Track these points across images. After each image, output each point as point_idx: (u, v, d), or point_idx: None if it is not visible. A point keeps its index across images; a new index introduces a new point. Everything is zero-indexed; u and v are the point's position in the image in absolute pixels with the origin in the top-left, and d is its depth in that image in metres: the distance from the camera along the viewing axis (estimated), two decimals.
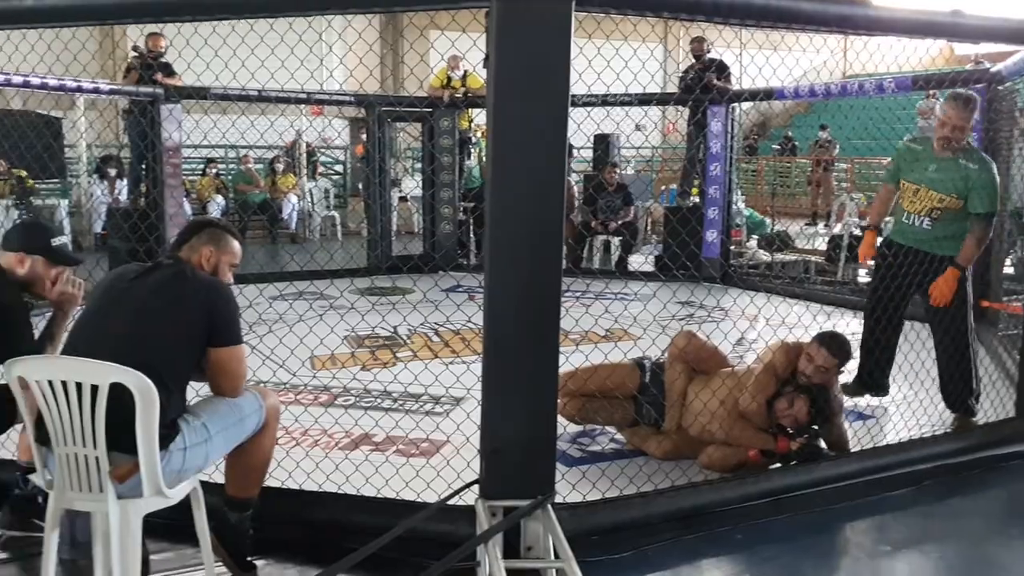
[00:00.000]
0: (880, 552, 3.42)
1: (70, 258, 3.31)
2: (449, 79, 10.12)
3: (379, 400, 4.96)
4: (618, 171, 10.91)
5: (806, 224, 13.69)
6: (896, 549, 3.43)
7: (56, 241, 3.24)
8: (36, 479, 2.78)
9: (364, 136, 13.83)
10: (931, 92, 10.71)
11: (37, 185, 11.88)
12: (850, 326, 6.67)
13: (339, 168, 16.55)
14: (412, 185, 12.93)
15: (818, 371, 3.89)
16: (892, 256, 4.39)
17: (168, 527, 3.08)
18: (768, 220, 11.03)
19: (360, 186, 13.02)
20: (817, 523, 3.59)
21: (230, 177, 14.05)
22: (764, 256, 10.07)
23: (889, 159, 10.14)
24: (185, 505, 2.80)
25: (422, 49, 15.70)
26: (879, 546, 3.46)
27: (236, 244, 3.02)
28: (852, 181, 15.89)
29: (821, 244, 10.59)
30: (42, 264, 3.16)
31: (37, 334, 3.19)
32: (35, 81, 7.09)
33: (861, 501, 3.77)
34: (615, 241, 10.11)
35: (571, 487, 3.46)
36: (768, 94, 8.79)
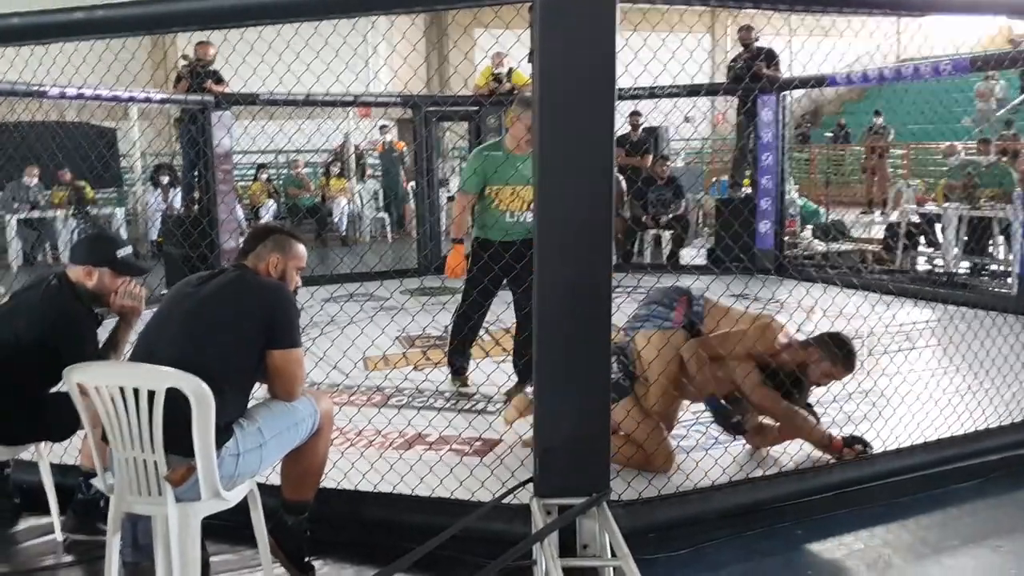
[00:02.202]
0: (947, 547, 3.32)
1: (135, 268, 3.38)
2: (494, 76, 10.11)
3: (431, 400, 4.97)
4: (669, 164, 10.81)
5: (861, 212, 13.46)
6: (964, 544, 3.33)
7: (121, 253, 3.32)
8: (98, 483, 2.82)
9: (388, 136, 13.97)
10: (991, 73, 10.45)
11: (95, 194, 12.14)
12: (911, 315, 6.56)
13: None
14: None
15: (824, 378, 3.84)
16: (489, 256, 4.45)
17: (227, 529, 3.11)
18: (822, 209, 10.86)
19: (410, 187, 13.06)
20: (880, 517, 3.51)
21: (280, 181, 14.20)
22: (819, 246, 9.91)
23: (946, 143, 9.97)
24: (243, 508, 2.83)
25: (466, 47, 15.71)
26: (946, 541, 3.36)
27: (301, 248, 3.04)
28: (908, 167, 15.59)
29: (877, 232, 10.41)
30: (108, 276, 3.24)
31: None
32: (89, 92, 7.21)
33: (924, 494, 3.69)
34: (666, 235, 10.02)
35: (626, 484, 3.43)
36: (820, 81, 8.64)
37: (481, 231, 4.77)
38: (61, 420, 3.19)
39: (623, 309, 3.32)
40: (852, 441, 3.84)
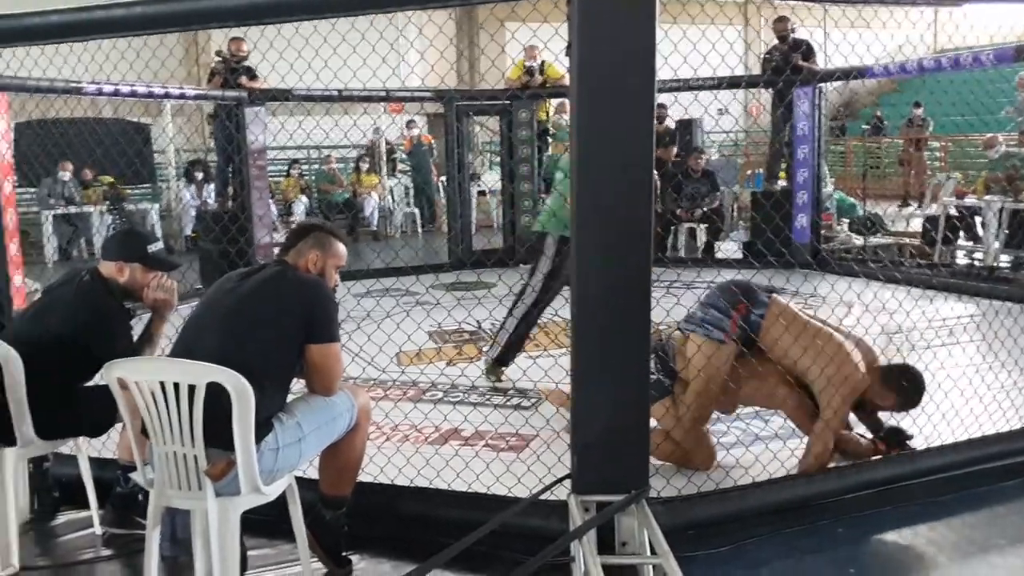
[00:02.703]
0: (994, 546, 3.25)
1: (166, 263, 3.43)
2: (528, 69, 10.08)
3: (466, 395, 4.96)
4: (704, 157, 10.72)
5: (899, 206, 13.28)
6: (1011, 543, 3.26)
7: (152, 248, 3.36)
8: (137, 478, 2.84)
9: (416, 131, 13.95)
10: None
11: (129, 190, 12.25)
12: (954, 310, 6.47)
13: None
14: (491, 179, 12.93)
15: (885, 410, 3.77)
16: None
17: (265, 523, 3.11)
18: (859, 203, 10.72)
19: (440, 181, 13.06)
20: (923, 515, 3.46)
21: (313, 177, 14.25)
22: (856, 240, 9.79)
23: (987, 135, 9.80)
24: (281, 502, 2.83)
25: (502, 41, 15.67)
26: (993, 539, 3.29)
27: (342, 247, 3.05)
28: (945, 160, 15.36)
29: (915, 226, 10.26)
30: (140, 271, 3.28)
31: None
32: (125, 89, 7.27)
33: (968, 492, 3.62)
34: (701, 228, 9.94)
35: (666, 481, 3.40)
36: (858, 73, 8.52)
37: (565, 230, 4.82)
38: (94, 415, 3.23)
39: (662, 304, 3.27)
40: (893, 435, 3.78)
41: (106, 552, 3.32)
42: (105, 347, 3.03)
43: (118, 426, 3.28)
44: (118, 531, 3.36)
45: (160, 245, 3.43)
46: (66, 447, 3.45)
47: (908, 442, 3.78)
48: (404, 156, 14.49)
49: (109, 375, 2.68)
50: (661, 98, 10.63)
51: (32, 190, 10.98)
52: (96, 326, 3.15)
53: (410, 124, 14.23)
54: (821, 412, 3.62)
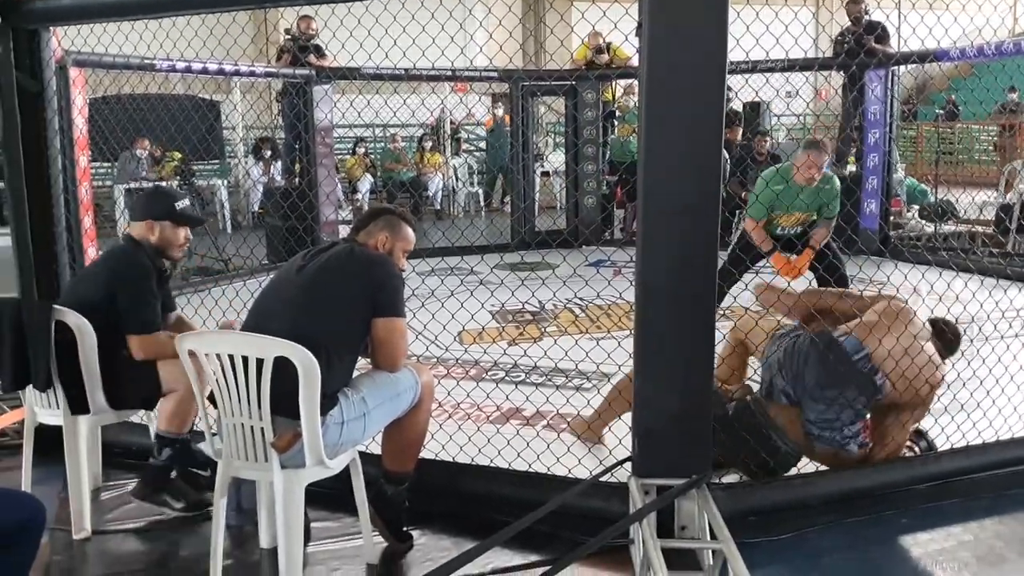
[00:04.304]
0: None
1: (194, 219, 3.47)
2: (596, 48, 10.01)
3: (528, 375, 4.98)
4: (769, 140, 10.52)
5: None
6: None
7: (180, 205, 3.39)
8: (205, 447, 2.90)
9: (500, 111, 13.91)
10: None
11: (199, 166, 12.44)
12: None
13: (482, 144, 16.64)
14: (556, 160, 12.89)
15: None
16: None
17: (329, 496, 3.17)
18: (930, 189, 10.46)
19: (503, 162, 13.05)
20: (989, 509, 3.39)
21: (378, 156, 14.35)
22: (927, 227, 9.57)
23: None
24: (345, 476, 2.88)
25: (570, 20, 15.57)
26: None
27: (410, 232, 3.08)
28: (1021, 146, 14.91)
29: (990, 214, 9.97)
30: (170, 228, 3.33)
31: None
32: (196, 66, 7.39)
33: None
34: None
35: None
36: (934, 56, 8.29)
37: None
38: (143, 389, 3.25)
39: (731, 291, 3.23)
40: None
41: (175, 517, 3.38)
42: (129, 305, 3.11)
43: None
44: (149, 505, 3.35)
45: (187, 201, 3.45)
46: (136, 417, 3.53)
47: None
48: (484, 134, 14.45)
49: (180, 348, 2.74)
50: (731, 80, 10.50)
51: (105, 164, 11.21)
52: (122, 286, 3.19)
53: (496, 103, 14.18)
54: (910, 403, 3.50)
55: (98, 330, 3.15)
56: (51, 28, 3.94)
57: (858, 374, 3.39)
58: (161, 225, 3.33)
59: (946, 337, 3.61)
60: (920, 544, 3.20)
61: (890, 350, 3.38)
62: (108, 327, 3.17)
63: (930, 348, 3.48)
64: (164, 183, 11.49)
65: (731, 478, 3.27)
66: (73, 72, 5.73)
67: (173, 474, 3.36)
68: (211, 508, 2.91)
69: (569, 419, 3.93)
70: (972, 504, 3.42)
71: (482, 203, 13.53)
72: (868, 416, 3.53)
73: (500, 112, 14.12)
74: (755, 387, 3.71)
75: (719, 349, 3.57)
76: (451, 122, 14.43)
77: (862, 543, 3.17)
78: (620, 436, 3.66)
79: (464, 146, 14.92)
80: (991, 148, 15.68)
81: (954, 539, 3.22)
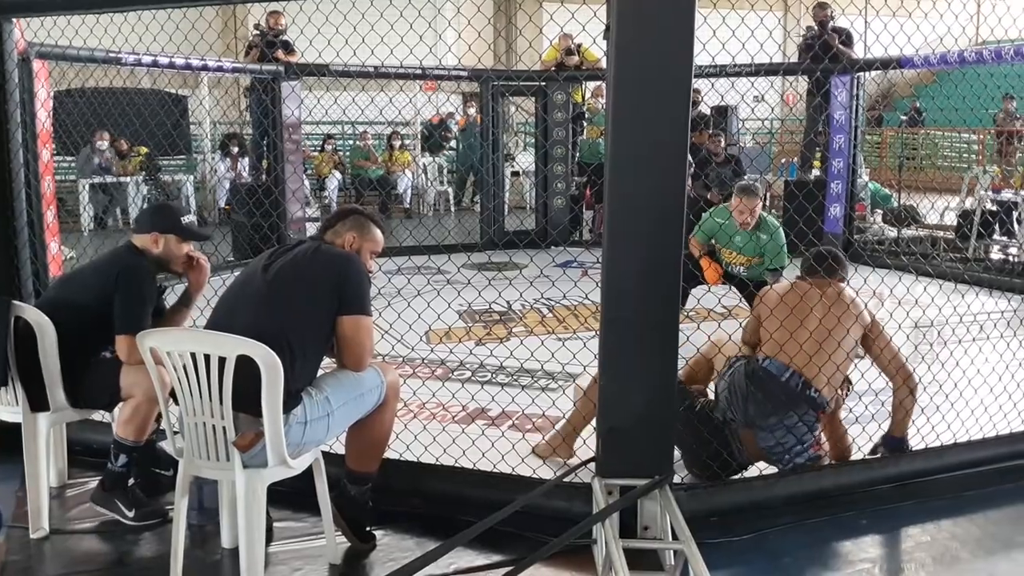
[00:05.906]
0: (1018, 543, 3.23)
1: (199, 235, 3.47)
2: (568, 51, 10.03)
3: (494, 375, 4.98)
4: (723, 140, 10.50)
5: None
6: None
7: (185, 219, 3.41)
8: (167, 446, 2.88)
9: (472, 110, 13.89)
10: None
11: (165, 161, 12.31)
12: (985, 306, 6.39)
13: (452, 144, 16.60)
14: (525, 160, 12.90)
15: None
16: None
17: (291, 496, 3.16)
18: (893, 194, 10.59)
19: (474, 161, 13.04)
20: (947, 510, 3.44)
21: (347, 153, 14.28)
22: (890, 232, 9.68)
23: None
24: (308, 476, 2.87)
25: (539, 22, 15.59)
26: (1017, 536, 3.27)
27: (379, 233, 3.07)
28: (982, 153, 15.14)
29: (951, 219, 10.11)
30: (175, 242, 3.32)
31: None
32: (163, 61, 7.31)
33: (994, 489, 3.60)
34: None
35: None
36: (897, 63, 8.39)
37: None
38: (109, 387, 3.19)
39: (693, 292, 3.26)
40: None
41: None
42: (124, 306, 3.09)
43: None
44: (102, 511, 3.30)
45: (192, 217, 3.47)
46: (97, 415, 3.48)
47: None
48: (457, 134, 14.41)
49: (142, 345, 2.72)
50: (697, 84, 10.56)
51: (69, 158, 11.07)
52: (123, 286, 3.15)
53: (467, 103, 14.14)
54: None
55: (82, 329, 3.14)
56: (13, 19, 3.88)
57: (793, 394, 3.43)
58: (166, 238, 3.31)
59: (826, 264, 3.61)
60: (878, 545, 3.25)
61: (802, 345, 3.44)
62: (95, 326, 3.15)
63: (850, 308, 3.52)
64: (129, 178, 11.41)
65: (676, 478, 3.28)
66: (36, 64, 5.64)
67: (131, 481, 3.32)
68: (167, 517, 2.88)
69: (533, 446, 3.87)
70: (930, 505, 3.47)
71: (451, 202, 13.51)
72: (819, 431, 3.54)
73: (472, 112, 14.09)
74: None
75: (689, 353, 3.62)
76: (421, 121, 14.38)
77: (820, 543, 3.21)
78: (584, 437, 3.68)
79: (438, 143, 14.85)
80: (968, 154, 15.87)
81: (912, 540, 3.27)
